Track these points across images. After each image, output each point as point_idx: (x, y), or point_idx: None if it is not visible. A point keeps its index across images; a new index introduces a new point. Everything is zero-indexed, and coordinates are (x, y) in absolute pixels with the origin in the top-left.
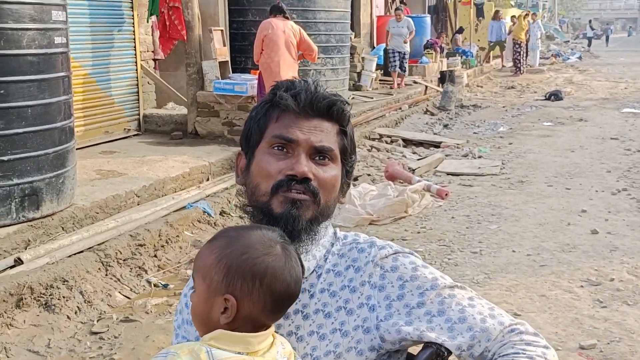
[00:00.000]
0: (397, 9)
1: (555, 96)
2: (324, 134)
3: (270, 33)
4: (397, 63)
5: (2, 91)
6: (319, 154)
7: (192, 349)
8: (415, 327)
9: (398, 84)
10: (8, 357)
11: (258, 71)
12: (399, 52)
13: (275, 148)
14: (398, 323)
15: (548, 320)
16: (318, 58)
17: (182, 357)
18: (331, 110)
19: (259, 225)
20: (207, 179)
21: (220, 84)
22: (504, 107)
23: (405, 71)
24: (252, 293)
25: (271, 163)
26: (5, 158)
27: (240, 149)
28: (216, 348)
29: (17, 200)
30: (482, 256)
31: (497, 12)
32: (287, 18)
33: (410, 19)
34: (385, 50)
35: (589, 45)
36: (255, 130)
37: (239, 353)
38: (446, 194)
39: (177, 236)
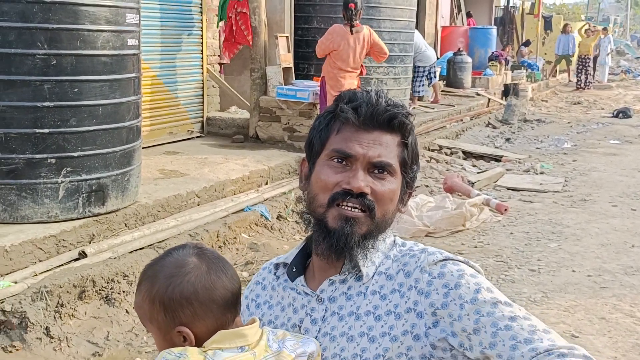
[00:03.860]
0: None
1: (623, 114)
2: (383, 147)
3: (341, 49)
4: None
5: (76, 90)
6: (377, 169)
7: (197, 358)
8: (460, 342)
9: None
10: (69, 346)
11: (320, 77)
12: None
13: (335, 160)
14: (445, 331)
15: (607, 344)
16: (379, 67)
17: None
18: (392, 123)
19: (170, 250)
20: (266, 183)
21: (283, 89)
22: (569, 123)
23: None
24: (197, 313)
25: (329, 175)
26: (75, 154)
27: (304, 155)
28: (218, 350)
29: (84, 195)
30: (540, 274)
31: (566, 25)
32: (358, 24)
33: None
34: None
35: None
36: (317, 141)
37: (241, 348)
38: (505, 209)
39: (235, 238)
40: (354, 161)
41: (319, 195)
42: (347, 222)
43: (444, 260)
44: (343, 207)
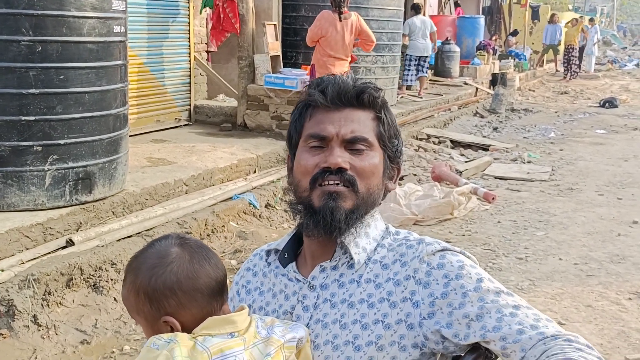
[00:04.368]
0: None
1: (609, 103)
2: (356, 123)
3: (329, 36)
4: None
5: (61, 77)
6: (353, 144)
7: (187, 343)
8: (455, 332)
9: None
10: (57, 334)
11: (309, 66)
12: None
13: (311, 145)
14: (440, 322)
15: (593, 331)
16: (367, 56)
17: (182, 348)
18: (361, 97)
19: (153, 241)
20: (254, 171)
21: (271, 78)
22: (556, 112)
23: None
24: (181, 302)
25: (308, 159)
26: (62, 142)
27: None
28: (208, 336)
29: (71, 183)
30: (527, 262)
31: (553, 15)
32: (346, 11)
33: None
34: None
35: None
36: (294, 132)
37: (230, 334)
38: (493, 198)
39: (223, 226)
40: (328, 141)
41: (302, 181)
42: (330, 196)
43: (442, 250)
44: (325, 184)
